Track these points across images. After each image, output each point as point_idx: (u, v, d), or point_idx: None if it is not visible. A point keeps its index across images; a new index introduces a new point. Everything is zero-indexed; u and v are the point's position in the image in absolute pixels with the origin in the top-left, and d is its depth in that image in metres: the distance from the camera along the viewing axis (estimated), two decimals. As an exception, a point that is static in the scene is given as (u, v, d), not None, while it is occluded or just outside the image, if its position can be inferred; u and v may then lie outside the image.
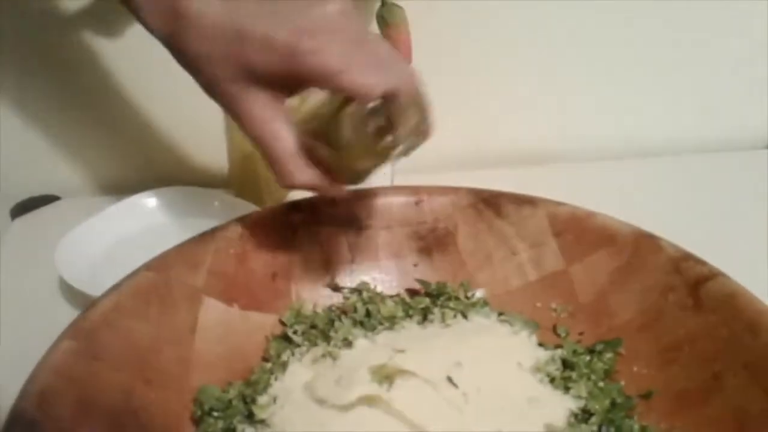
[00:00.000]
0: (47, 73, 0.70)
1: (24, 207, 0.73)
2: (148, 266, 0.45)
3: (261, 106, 0.41)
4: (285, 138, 0.41)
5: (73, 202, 0.74)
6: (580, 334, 0.48)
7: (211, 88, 0.42)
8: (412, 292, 0.53)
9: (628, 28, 0.74)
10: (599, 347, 0.46)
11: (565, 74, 0.75)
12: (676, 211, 0.65)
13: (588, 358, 0.45)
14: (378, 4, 0.64)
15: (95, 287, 0.51)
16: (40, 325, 0.45)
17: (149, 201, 0.66)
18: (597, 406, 0.41)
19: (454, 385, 0.40)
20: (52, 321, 0.42)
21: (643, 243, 0.47)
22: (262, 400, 0.41)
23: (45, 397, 0.36)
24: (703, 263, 0.44)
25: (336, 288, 0.52)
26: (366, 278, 0.53)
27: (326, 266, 0.53)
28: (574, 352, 0.46)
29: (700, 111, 0.80)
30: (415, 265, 0.53)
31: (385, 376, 0.39)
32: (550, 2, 0.71)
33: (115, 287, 0.43)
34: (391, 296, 0.51)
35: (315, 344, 0.47)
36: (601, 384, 0.43)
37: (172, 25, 0.41)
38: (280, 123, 0.41)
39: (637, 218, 0.49)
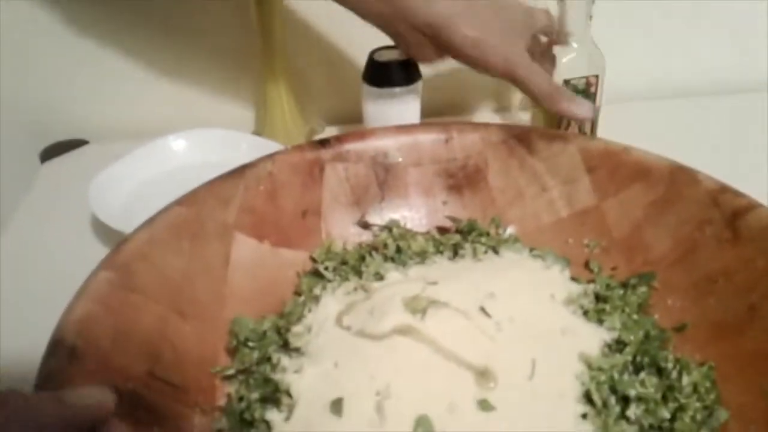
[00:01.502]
0: (78, 19, 0.69)
1: (53, 151, 0.73)
2: (179, 201, 0.46)
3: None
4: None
5: (102, 146, 0.74)
6: (613, 269, 0.48)
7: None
8: (442, 230, 0.52)
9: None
10: (633, 281, 0.46)
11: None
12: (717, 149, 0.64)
13: (621, 291, 0.45)
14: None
15: (128, 225, 0.52)
16: (73, 264, 0.45)
17: (178, 142, 0.66)
18: (631, 337, 0.41)
19: (487, 314, 0.40)
20: (85, 260, 0.42)
21: (679, 176, 0.46)
22: (296, 329, 0.41)
23: (84, 324, 0.36)
24: (741, 195, 0.43)
25: (365, 226, 0.52)
26: (395, 216, 0.53)
27: (356, 204, 0.52)
28: (607, 286, 0.45)
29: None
30: (445, 203, 0.53)
31: (418, 306, 0.39)
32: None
33: (148, 222, 0.44)
34: (422, 233, 0.51)
35: (346, 279, 0.47)
36: (635, 316, 0.43)
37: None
38: None
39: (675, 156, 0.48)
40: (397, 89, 0.58)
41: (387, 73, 0.57)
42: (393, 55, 0.57)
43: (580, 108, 0.52)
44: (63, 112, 0.74)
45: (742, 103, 0.75)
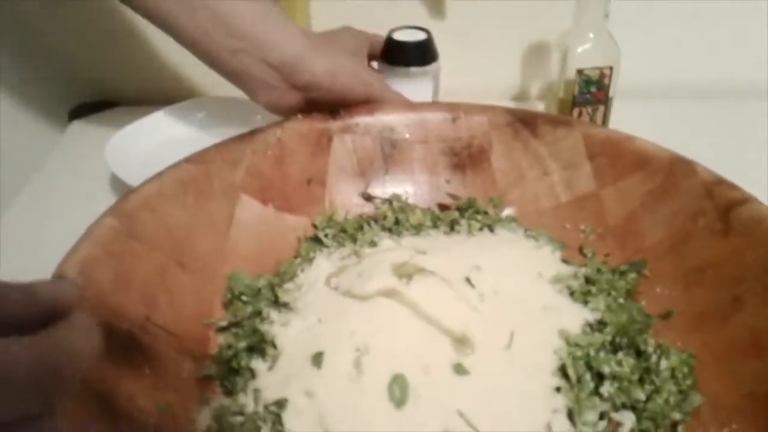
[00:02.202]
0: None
1: (81, 111, 0.76)
2: (188, 159, 0.47)
3: None
4: None
5: (128, 109, 0.76)
6: (606, 255, 0.48)
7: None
8: (443, 207, 0.53)
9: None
10: (624, 268, 0.46)
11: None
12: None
13: (611, 276, 0.45)
14: None
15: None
16: (91, 215, 0.47)
17: (195, 108, 0.68)
18: (614, 319, 0.42)
19: (472, 285, 0.41)
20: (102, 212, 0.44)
21: (678, 167, 0.47)
22: (287, 286, 0.43)
23: (85, 265, 0.38)
24: (735, 188, 0.44)
25: (368, 198, 0.54)
26: (398, 191, 0.54)
27: (360, 175, 0.54)
28: (598, 270, 0.46)
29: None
30: (448, 181, 0.54)
31: (405, 272, 0.40)
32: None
33: (157, 175, 0.45)
34: (421, 208, 0.52)
35: (343, 245, 0.48)
36: (620, 300, 0.44)
37: None
38: None
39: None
40: (413, 69, 0.59)
41: (403, 53, 0.58)
42: (411, 36, 0.58)
43: None
44: (95, 74, 0.77)
45: (756, 107, 0.74)
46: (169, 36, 0.51)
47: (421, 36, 0.58)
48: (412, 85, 0.59)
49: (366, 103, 0.54)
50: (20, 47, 0.70)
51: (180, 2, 0.48)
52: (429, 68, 0.59)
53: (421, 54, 0.59)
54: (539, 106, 0.76)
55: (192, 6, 0.48)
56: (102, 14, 0.73)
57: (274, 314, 0.41)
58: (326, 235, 0.50)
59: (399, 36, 0.59)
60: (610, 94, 0.62)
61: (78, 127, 0.74)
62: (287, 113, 0.53)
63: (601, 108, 0.62)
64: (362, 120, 0.54)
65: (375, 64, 0.60)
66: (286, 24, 0.51)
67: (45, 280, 0.26)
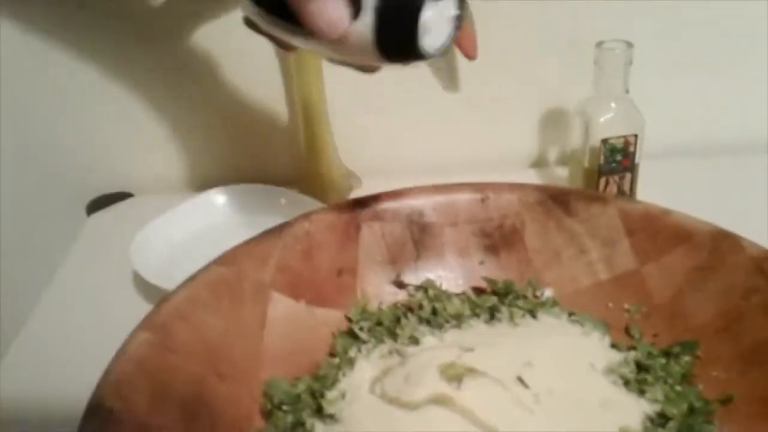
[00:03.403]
0: (125, 75, 0.72)
1: (99, 203, 0.75)
2: (218, 261, 0.46)
3: None
4: None
5: (146, 199, 0.76)
6: (655, 335, 0.46)
7: None
8: (478, 291, 0.52)
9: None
10: (675, 350, 0.44)
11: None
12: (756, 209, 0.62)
13: (663, 360, 0.44)
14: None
15: (168, 281, 0.53)
16: (115, 318, 0.46)
17: (219, 198, 0.67)
18: (674, 411, 0.40)
19: (525, 385, 0.39)
20: (127, 314, 0.43)
21: (723, 242, 0.45)
22: (331, 395, 0.41)
23: (122, 386, 0.37)
24: (789, 263, 0.42)
25: (401, 285, 0.52)
26: (431, 276, 0.52)
27: (391, 263, 0.52)
28: (649, 354, 0.44)
29: None
30: (481, 263, 0.53)
31: (455, 374, 0.39)
32: None
33: (188, 281, 0.44)
34: (457, 294, 0.51)
35: (381, 341, 0.47)
36: (678, 388, 0.42)
37: None
38: None
39: (716, 218, 0.47)
40: None
41: None
42: None
43: None
44: (109, 166, 0.77)
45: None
46: None
47: None
48: None
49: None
50: (32, 145, 0.70)
51: None
52: None
53: None
54: (560, 173, 0.75)
55: None
56: (115, 106, 0.74)
57: (319, 426, 0.39)
58: (361, 329, 0.48)
59: None
60: (636, 160, 0.61)
61: (96, 221, 0.74)
62: None
63: (628, 176, 0.61)
64: (389, 206, 0.53)
65: None
66: None
67: None
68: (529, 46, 0.71)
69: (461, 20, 0.35)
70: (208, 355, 0.42)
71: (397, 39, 0.33)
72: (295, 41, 0.37)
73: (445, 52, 0.35)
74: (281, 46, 0.40)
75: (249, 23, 0.40)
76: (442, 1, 0.33)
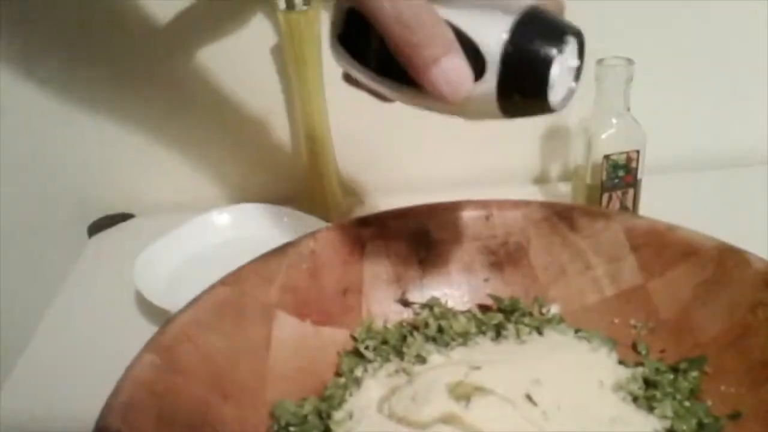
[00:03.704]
0: (125, 98, 0.72)
1: (100, 225, 0.75)
2: (223, 281, 0.46)
3: None
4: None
5: (147, 220, 0.76)
6: (662, 351, 0.46)
7: None
8: (484, 308, 0.52)
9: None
10: (683, 365, 0.44)
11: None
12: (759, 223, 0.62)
13: (672, 376, 0.43)
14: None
15: (172, 302, 0.52)
16: (118, 339, 0.46)
17: (221, 218, 0.67)
18: (684, 427, 0.39)
19: (534, 403, 0.39)
20: (129, 336, 0.43)
21: (728, 256, 0.45)
22: (338, 415, 0.41)
23: (129, 410, 0.37)
24: (795, 277, 0.42)
25: (406, 303, 0.52)
26: (436, 293, 0.52)
27: (396, 281, 0.52)
28: (657, 370, 0.44)
29: None
30: (486, 280, 0.53)
31: (463, 393, 0.38)
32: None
33: (193, 302, 0.44)
34: (463, 312, 0.51)
35: (388, 360, 0.46)
36: (686, 403, 0.41)
37: None
38: None
39: (719, 231, 0.48)
40: None
41: None
42: None
43: None
44: (110, 187, 0.77)
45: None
46: None
47: None
48: None
49: None
50: (33, 167, 0.70)
51: None
52: None
53: None
54: (562, 188, 0.75)
55: None
56: (114, 128, 0.74)
57: (327, 448, 0.39)
58: (367, 347, 0.48)
59: None
60: (639, 176, 0.61)
61: (98, 242, 0.74)
62: None
63: (631, 191, 0.61)
64: (394, 224, 0.53)
65: None
66: None
67: None
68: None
69: (581, 71, 0.34)
70: (214, 377, 0.42)
71: (523, 97, 0.33)
72: (408, 100, 0.36)
73: (567, 104, 0.34)
74: (383, 99, 0.39)
75: (349, 79, 0.39)
76: (565, 53, 0.32)
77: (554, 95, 0.32)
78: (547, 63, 0.31)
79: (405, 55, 0.32)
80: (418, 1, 0.32)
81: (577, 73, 0.34)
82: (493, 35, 0.32)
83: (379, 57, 0.34)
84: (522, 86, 0.32)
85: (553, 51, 0.31)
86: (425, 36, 0.31)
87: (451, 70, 0.32)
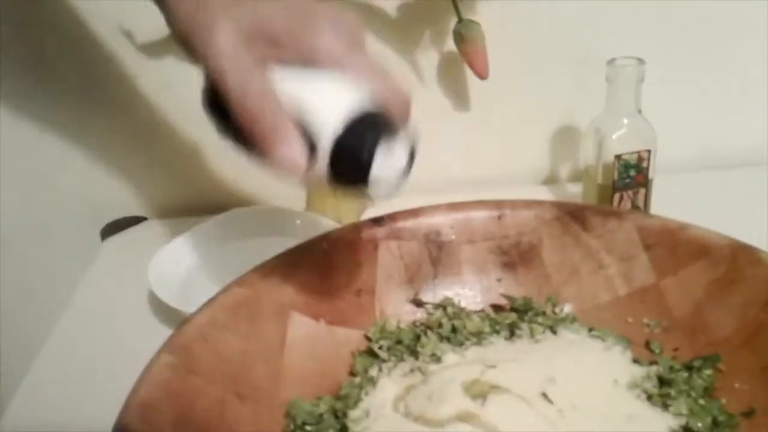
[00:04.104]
0: (136, 99, 0.73)
1: (113, 228, 0.76)
2: (238, 282, 0.46)
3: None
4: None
5: (160, 223, 0.76)
6: (675, 350, 0.46)
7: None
8: (497, 308, 0.52)
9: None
10: (697, 363, 0.44)
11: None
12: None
13: (686, 374, 0.43)
14: (455, 21, 0.65)
15: (186, 304, 0.53)
16: (132, 340, 0.46)
17: (234, 220, 0.67)
18: (699, 424, 0.39)
19: (549, 401, 0.39)
20: (144, 337, 0.43)
21: (741, 255, 0.45)
22: (354, 414, 0.41)
23: (147, 409, 0.37)
24: (808, 274, 0.42)
25: (419, 303, 0.52)
26: (449, 293, 0.52)
27: (409, 282, 0.53)
28: (671, 368, 0.44)
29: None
30: (499, 280, 0.53)
31: (479, 392, 0.38)
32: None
33: (209, 303, 0.45)
34: (476, 312, 0.51)
35: (402, 359, 0.46)
36: (701, 401, 0.41)
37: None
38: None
39: (731, 231, 0.48)
40: None
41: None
42: None
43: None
44: (122, 190, 0.77)
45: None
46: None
47: None
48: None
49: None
50: (45, 171, 0.70)
51: None
52: None
53: None
54: (572, 189, 0.75)
55: None
56: (125, 130, 0.74)
57: (344, 447, 0.39)
58: (381, 347, 0.48)
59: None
60: (650, 176, 0.61)
61: (111, 245, 0.74)
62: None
63: (642, 191, 0.62)
64: (406, 224, 0.53)
65: None
66: None
67: None
68: (540, 64, 0.72)
69: (409, 173, 0.38)
70: (230, 377, 0.42)
71: (349, 183, 0.37)
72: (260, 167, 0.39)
73: (392, 196, 0.38)
74: None
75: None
76: (393, 155, 0.36)
77: (378, 189, 0.37)
78: (369, 162, 0.35)
79: (250, 136, 0.36)
80: (262, 86, 0.36)
81: (406, 169, 0.38)
82: (328, 127, 0.36)
83: (236, 127, 0.37)
84: (347, 176, 0.37)
85: (378, 153, 0.35)
86: (266, 126, 0.36)
87: (287, 157, 0.36)
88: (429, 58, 0.71)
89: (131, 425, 0.36)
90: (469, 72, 0.67)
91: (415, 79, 0.71)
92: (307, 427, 0.42)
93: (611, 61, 0.58)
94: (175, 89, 0.72)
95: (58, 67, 0.69)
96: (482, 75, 0.65)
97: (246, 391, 0.43)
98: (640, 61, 0.58)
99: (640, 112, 0.59)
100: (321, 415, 0.42)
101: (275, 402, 0.44)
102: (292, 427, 0.42)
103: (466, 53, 0.64)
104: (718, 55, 0.73)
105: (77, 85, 0.71)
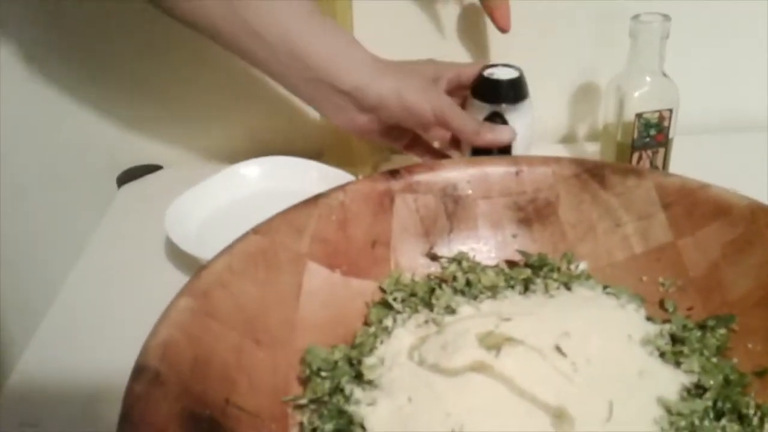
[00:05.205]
0: (152, 50, 0.72)
1: (129, 176, 0.76)
2: (255, 230, 0.47)
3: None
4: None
5: (176, 171, 0.77)
6: (690, 309, 0.46)
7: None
8: (511, 264, 0.52)
9: None
10: (711, 323, 0.44)
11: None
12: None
13: (699, 333, 0.44)
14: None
15: (203, 250, 0.53)
16: (149, 287, 0.47)
17: (251, 170, 0.67)
18: (711, 382, 0.40)
19: (563, 354, 0.39)
20: (160, 284, 0.44)
21: (761, 215, 0.45)
22: (369, 361, 0.41)
23: (166, 350, 0.38)
24: (829, 236, 0.42)
25: (434, 257, 0.52)
26: (464, 248, 0.53)
27: (424, 235, 0.53)
28: (684, 326, 0.44)
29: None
30: (514, 236, 0.53)
31: (493, 343, 0.39)
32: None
33: (226, 249, 0.45)
34: (491, 267, 0.51)
35: (416, 311, 0.47)
36: (713, 360, 0.42)
37: None
38: None
39: (749, 193, 0.47)
40: (504, 106, 0.59)
41: (495, 90, 0.59)
42: (504, 74, 0.59)
43: (502, 134, 0.58)
44: (138, 139, 0.77)
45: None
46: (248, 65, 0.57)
47: (513, 74, 0.59)
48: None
49: (439, 124, 0.57)
50: (61, 119, 0.70)
51: (260, 42, 0.54)
52: (520, 105, 0.59)
53: (513, 92, 0.59)
54: (589, 148, 0.75)
55: (270, 44, 0.54)
56: (144, 81, 0.74)
57: (358, 392, 0.40)
58: (395, 299, 0.49)
59: (491, 73, 0.59)
60: (670, 135, 0.61)
61: (127, 192, 0.75)
62: (363, 134, 0.60)
63: (662, 150, 0.61)
64: (423, 178, 0.53)
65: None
66: (355, 50, 0.56)
67: None
68: (563, 18, 0.71)
69: None
70: (246, 323, 0.43)
71: None
72: None
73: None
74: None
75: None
76: None
77: None
78: None
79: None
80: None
81: None
82: None
83: None
84: None
85: None
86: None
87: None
88: (450, 10, 0.70)
89: (151, 365, 0.36)
90: (489, 24, 0.66)
91: (436, 31, 0.70)
92: (323, 373, 0.42)
93: (635, 17, 0.57)
94: (194, 38, 0.71)
95: (75, 15, 0.69)
96: (504, 28, 0.64)
97: (262, 337, 0.43)
98: (666, 17, 0.56)
99: (664, 71, 0.59)
100: (336, 362, 0.43)
101: (291, 349, 0.44)
102: (307, 372, 0.43)
103: (488, 5, 0.63)
104: (747, 12, 0.71)
105: (94, 34, 0.70)
